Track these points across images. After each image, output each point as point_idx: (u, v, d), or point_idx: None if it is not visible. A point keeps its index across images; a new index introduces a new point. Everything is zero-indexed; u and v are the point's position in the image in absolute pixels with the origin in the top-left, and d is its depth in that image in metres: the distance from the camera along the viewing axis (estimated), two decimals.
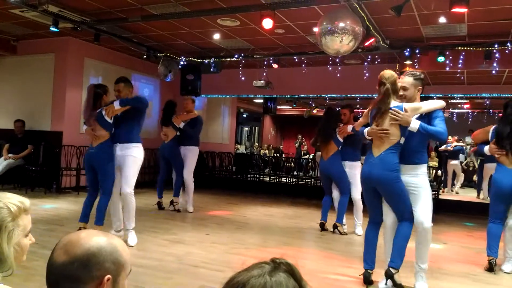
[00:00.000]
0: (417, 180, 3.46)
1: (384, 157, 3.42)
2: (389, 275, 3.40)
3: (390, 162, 3.41)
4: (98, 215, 4.58)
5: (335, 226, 5.77)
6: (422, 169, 3.51)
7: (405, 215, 3.48)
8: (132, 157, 4.64)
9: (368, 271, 3.68)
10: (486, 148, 4.46)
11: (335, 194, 5.90)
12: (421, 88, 3.53)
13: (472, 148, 12.73)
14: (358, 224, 5.87)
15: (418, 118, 3.46)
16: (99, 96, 4.62)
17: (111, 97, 4.80)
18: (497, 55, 6.98)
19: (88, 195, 4.79)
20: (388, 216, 3.60)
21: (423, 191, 3.46)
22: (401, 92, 3.51)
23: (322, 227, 5.93)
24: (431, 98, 12.40)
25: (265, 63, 9.05)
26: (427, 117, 3.47)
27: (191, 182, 6.91)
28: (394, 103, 3.44)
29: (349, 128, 5.58)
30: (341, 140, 5.72)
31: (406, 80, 3.54)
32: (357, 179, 5.76)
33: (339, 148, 5.75)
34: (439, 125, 3.37)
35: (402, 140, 3.44)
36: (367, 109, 3.77)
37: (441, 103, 3.49)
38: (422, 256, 3.53)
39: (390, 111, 3.40)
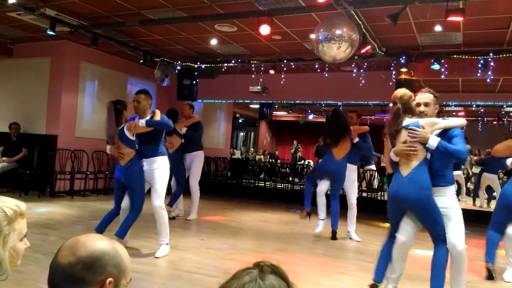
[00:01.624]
0: (446, 200, 3.29)
1: (414, 176, 3.23)
2: None
3: (421, 180, 3.23)
4: (123, 228, 4.45)
5: (334, 233, 5.82)
6: (450, 190, 3.34)
7: (441, 236, 3.31)
8: (159, 170, 4.56)
9: (377, 283, 3.54)
10: (509, 161, 4.45)
11: (322, 187, 5.94)
12: (438, 106, 3.42)
13: (476, 157, 12.79)
14: (352, 229, 5.89)
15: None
16: (119, 112, 4.48)
17: (130, 111, 4.70)
18: (492, 63, 7.04)
19: (112, 209, 4.68)
20: (404, 233, 3.40)
21: (454, 211, 3.29)
22: (422, 108, 3.34)
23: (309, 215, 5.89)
24: None
25: (262, 69, 9.09)
26: (446, 136, 3.28)
27: (197, 189, 6.81)
28: (408, 120, 3.30)
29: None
30: (354, 141, 5.76)
31: (427, 96, 3.38)
32: (355, 183, 5.83)
33: (351, 149, 5.77)
34: (458, 144, 3.17)
35: (429, 156, 3.29)
36: (384, 134, 3.59)
37: (462, 121, 3.35)
38: (458, 284, 3.35)
39: (407, 128, 3.26)
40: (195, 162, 6.79)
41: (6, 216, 1.30)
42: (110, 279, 1.07)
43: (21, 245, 1.37)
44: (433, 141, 3.15)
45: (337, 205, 5.79)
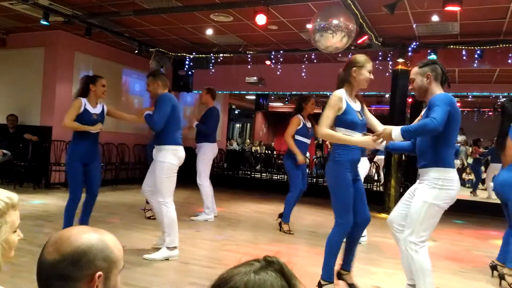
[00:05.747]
0: (418, 185, 2.96)
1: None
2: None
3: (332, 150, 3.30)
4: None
5: (280, 224, 5.64)
6: (431, 172, 2.87)
7: (336, 217, 3.22)
8: (158, 162, 4.10)
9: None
10: None
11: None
12: (430, 75, 2.95)
13: (471, 148, 12.81)
14: None
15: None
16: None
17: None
18: (488, 54, 7.03)
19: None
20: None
21: (415, 200, 2.91)
22: (409, 86, 3.12)
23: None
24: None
25: (258, 59, 9.03)
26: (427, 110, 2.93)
27: (204, 187, 6.07)
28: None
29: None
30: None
31: (411, 72, 3.11)
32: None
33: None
34: (431, 115, 2.74)
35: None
36: None
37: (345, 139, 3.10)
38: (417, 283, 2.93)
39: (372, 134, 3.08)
40: (199, 155, 6.11)
41: None
42: (99, 273, 1.04)
43: (14, 237, 1.35)
44: (396, 135, 2.79)
45: (290, 196, 5.55)
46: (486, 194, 10.13)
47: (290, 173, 5.62)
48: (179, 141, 4.18)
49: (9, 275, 3.21)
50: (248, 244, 4.86)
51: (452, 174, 2.86)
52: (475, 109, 14.27)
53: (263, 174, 11.16)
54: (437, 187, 2.82)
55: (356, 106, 3.27)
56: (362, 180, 5.34)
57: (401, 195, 7.59)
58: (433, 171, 2.85)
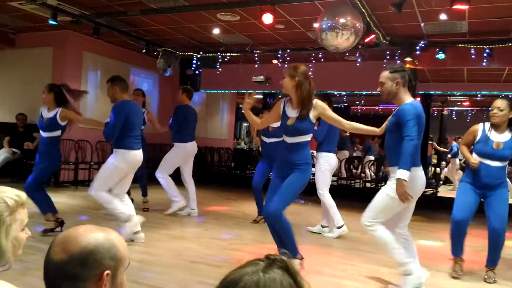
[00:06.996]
0: (388, 182, 3.26)
1: None
2: None
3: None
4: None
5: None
6: (396, 173, 3.08)
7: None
8: (107, 162, 4.48)
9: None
10: None
11: None
12: (399, 81, 3.19)
13: None
14: (335, 224, 5.37)
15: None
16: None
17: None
18: (497, 52, 6.96)
19: None
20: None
21: (380, 191, 3.31)
22: (378, 88, 3.31)
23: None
24: (431, 96, 12.22)
25: (265, 58, 9.03)
26: (396, 121, 3.18)
27: (163, 179, 5.97)
28: None
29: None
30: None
31: (381, 75, 3.31)
32: (323, 171, 5.43)
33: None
34: (404, 133, 3.05)
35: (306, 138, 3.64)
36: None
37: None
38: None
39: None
40: (168, 153, 6.15)
41: (7, 206, 1.29)
42: (107, 271, 1.04)
43: (22, 235, 1.37)
44: (403, 174, 2.98)
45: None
46: None
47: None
48: (132, 145, 4.40)
49: (18, 273, 3.24)
50: (255, 244, 4.87)
51: (418, 173, 3.18)
52: (484, 108, 14.13)
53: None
54: None
55: (292, 112, 3.63)
56: (329, 175, 5.50)
57: None
58: (395, 170, 3.09)
